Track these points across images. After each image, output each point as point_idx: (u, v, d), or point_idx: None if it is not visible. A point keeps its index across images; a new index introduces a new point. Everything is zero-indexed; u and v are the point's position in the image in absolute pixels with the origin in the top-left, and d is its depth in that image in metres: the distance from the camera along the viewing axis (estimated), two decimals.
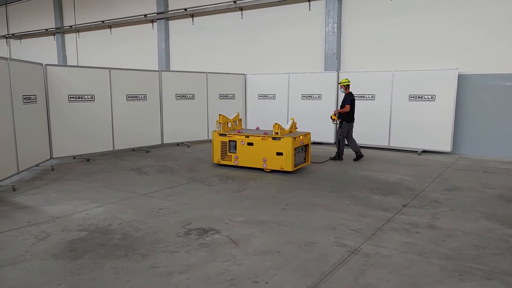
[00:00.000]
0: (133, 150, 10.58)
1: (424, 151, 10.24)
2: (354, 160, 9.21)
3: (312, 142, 11.56)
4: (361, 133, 11.00)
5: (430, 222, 4.99)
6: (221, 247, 4.15)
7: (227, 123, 8.74)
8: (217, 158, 8.49)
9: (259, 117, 12.61)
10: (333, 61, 11.62)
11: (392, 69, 10.45)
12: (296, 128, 8.46)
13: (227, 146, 8.30)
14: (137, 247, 4.15)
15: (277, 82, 12.33)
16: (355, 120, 9.31)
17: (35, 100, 7.94)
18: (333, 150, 9.99)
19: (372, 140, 10.89)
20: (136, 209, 5.49)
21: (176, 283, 3.39)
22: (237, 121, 9.05)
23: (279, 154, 7.68)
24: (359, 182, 7.07)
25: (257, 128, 9.16)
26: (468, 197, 6.14)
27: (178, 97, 11.30)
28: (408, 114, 10.27)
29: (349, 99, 9.04)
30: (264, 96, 12.68)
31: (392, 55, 10.86)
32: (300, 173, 7.82)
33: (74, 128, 9.01)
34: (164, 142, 11.13)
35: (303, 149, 8.18)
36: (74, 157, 9.39)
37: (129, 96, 10.15)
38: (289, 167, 7.62)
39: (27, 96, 7.59)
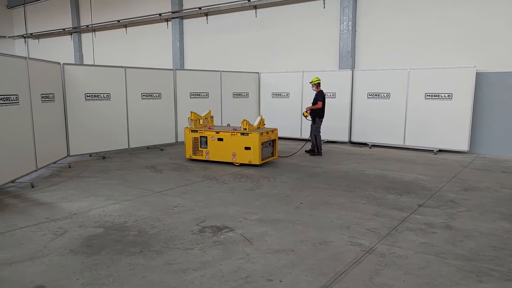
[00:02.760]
0: (148, 148, 10.69)
1: (440, 150, 10.09)
2: (307, 151, 9.90)
3: (327, 141, 11.62)
4: (375, 132, 10.94)
5: (447, 222, 4.92)
6: (235, 245, 4.17)
7: (199, 120, 9.09)
8: (189, 153, 8.90)
9: (273, 116, 12.60)
10: (348, 59, 11.53)
11: (407, 67, 10.32)
12: (264, 124, 8.96)
13: (199, 141, 8.70)
14: (152, 244, 4.19)
15: (291, 80, 12.30)
16: (324, 116, 9.78)
17: (53, 99, 8.09)
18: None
19: (387, 139, 10.79)
20: (151, 206, 5.55)
21: (191, 280, 3.42)
22: (208, 118, 9.35)
23: (247, 148, 8.16)
24: (374, 182, 7.01)
25: (228, 125, 9.63)
26: (486, 197, 6.03)
27: (192, 96, 11.37)
28: (424, 113, 10.12)
29: (321, 96, 9.51)
30: (278, 95, 12.67)
31: (408, 52, 10.72)
32: (312, 172, 7.80)
33: (90, 126, 9.15)
34: (179, 140, 11.21)
35: (270, 144, 8.65)
36: (90, 155, 9.54)
37: (144, 94, 10.26)
38: (256, 161, 8.12)
39: (45, 95, 7.73)
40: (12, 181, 6.63)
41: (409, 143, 10.49)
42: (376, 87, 10.82)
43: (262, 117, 8.73)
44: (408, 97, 10.32)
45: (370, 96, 10.96)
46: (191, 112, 9.03)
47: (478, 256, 3.92)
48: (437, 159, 9.19)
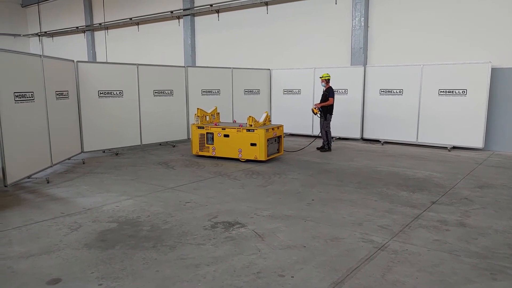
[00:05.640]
0: (160, 144, 10.77)
1: (454, 147, 9.96)
2: (318, 148, 9.90)
3: (339, 137, 11.57)
4: (388, 129, 10.85)
5: (461, 219, 4.86)
6: (247, 241, 4.19)
7: (205, 116, 9.16)
8: (195, 149, 8.99)
9: (284, 112, 12.59)
10: (360, 55, 11.44)
11: (421, 63, 10.19)
12: (270, 121, 9.03)
13: (205, 138, 8.78)
14: (165, 239, 4.24)
15: (302, 77, 12.26)
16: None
17: (67, 96, 8.20)
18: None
19: (400, 135, 10.69)
20: (163, 202, 5.61)
21: (203, 274, 3.45)
22: (215, 115, 9.42)
23: (253, 144, 8.22)
24: (386, 178, 6.96)
25: (234, 121, 9.75)
26: (501, 195, 5.94)
27: (204, 93, 11.41)
28: (437, 110, 10.00)
29: (333, 92, 9.53)
30: (289, 91, 12.64)
31: (421, 48, 10.58)
32: (324, 169, 7.77)
33: (103, 123, 9.26)
34: (190, 137, 11.25)
35: (276, 140, 8.73)
36: (104, 151, 9.65)
37: (156, 91, 10.33)
38: (262, 157, 8.18)
39: (60, 92, 7.85)
40: (28, 177, 6.75)
41: (422, 140, 10.37)
42: (389, 83, 10.72)
43: (267, 114, 8.81)
44: (422, 93, 10.20)
45: (382, 93, 10.87)
46: (198, 108, 9.11)
47: (493, 254, 3.87)
48: (451, 156, 9.07)
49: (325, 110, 9.62)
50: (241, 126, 8.40)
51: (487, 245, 4.10)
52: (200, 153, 8.93)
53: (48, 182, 6.76)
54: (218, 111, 9.61)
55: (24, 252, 3.93)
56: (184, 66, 11.33)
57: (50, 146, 7.37)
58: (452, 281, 3.35)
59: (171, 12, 15.82)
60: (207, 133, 8.76)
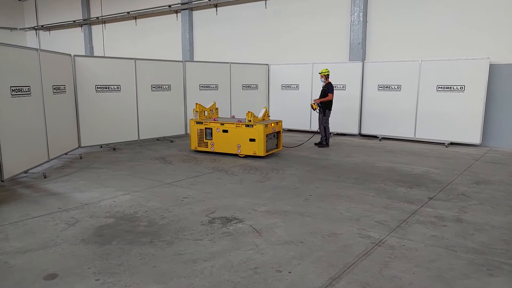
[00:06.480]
0: (158, 139, 10.74)
1: (452, 143, 9.97)
2: (316, 144, 9.86)
3: (336, 133, 11.57)
4: (386, 124, 10.85)
5: (458, 215, 4.88)
6: (245, 236, 4.19)
7: (204, 111, 9.15)
8: (194, 145, 8.97)
9: (282, 108, 12.57)
10: (358, 50, 11.41)
11: (419, 59, 10.17)
12: (269, 116, 9.01)
13: (204, 133, 8.78)
14: (162, 235, 4.23)
15: (301, 72, 12.23)
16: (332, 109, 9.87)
17: (64, 90, 8.15)
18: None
19: (397, 131, 10.69)
20: (161, 197, 5.60)
21: (200, 270, 3.45)
22: (213, 110, 9.40)
23: (252, 140, 8.20)
24: (384, 174, 6.97)
25: (233, 116, 9.71)
26: (498, 191, 5.96)
27: (201, 88, 11.37)
28: (435, 105, 10.00)
29: (332, 88, 9.54)
30: (288, 87, 12.61)
31: (420, 44, 10.55)
32: (322, 165, 7.77)
33: (101, 118, 9.22)
34: (188, 132, 11.23)
35: (275, 135, 8.71)
36: (101, 146, 9.62)
37: (153, 86, 10.28)
38: (261, 152, 8.16)
39: (57, 86, 7.80)
40: (25, 172, 6.73)
41: (420, 135, 10.38)
42: (387, 79, 10.70)
43: (266, 109, 8.80)
44: (420, 89, 10.19)
45: (380, 88, 10.86)
46: (196, 103, 9.09)
47: (489, 250, 3.89)
48: (449, 152, 9.09)
49: (324, 105, 9.61)
50: (240, 122, 8.38)
51: (484, 240, 4.11)
52: (199, 149, 8.91)
53: (45, 177, 6.73)
54: (216, 106, 9.58)
55: (21, 247, 3.91)
56: (182, 61, 11.28)
57: (47, 141, 7.34)
58: (448, 276, 3.36)
59: (169, 6, 15.73)
60: (205, 128, 8.74)
